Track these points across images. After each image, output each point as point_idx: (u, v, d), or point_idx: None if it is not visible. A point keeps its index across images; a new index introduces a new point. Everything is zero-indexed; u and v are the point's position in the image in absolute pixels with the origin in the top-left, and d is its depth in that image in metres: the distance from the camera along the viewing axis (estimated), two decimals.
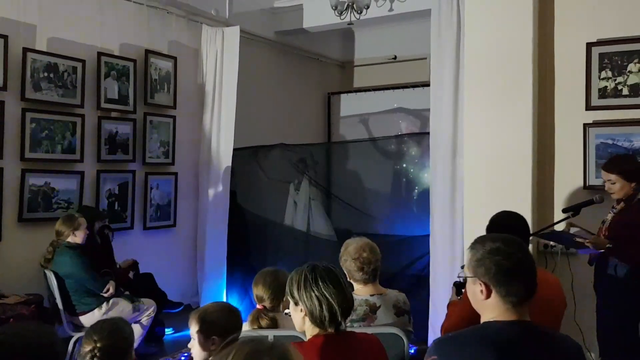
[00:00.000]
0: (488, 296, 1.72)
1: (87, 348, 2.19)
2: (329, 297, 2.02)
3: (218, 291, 6.11)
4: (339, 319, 2.04)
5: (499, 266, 1.70)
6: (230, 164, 6.15)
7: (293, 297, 2.09)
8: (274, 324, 2.69)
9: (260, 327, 2.66)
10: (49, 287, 4.22)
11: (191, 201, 6.36)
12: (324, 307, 2.01)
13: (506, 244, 1.73)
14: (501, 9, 4.19)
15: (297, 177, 6.43)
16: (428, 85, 5.22)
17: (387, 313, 2.78)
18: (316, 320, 2.03)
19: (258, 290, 2.80)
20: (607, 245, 3.25)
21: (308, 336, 2.09)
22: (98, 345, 2.18)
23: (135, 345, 3.22)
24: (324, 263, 2.15)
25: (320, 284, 2.03)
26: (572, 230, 3.54)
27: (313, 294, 2.02)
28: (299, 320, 2.09)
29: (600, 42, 4.06)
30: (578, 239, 3.33)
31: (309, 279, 2.05)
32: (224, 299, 6.05)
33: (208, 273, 6.19)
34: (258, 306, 2.78)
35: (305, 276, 2.06)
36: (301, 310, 2.06)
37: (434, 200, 4.87)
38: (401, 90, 7.93)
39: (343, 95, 8.56)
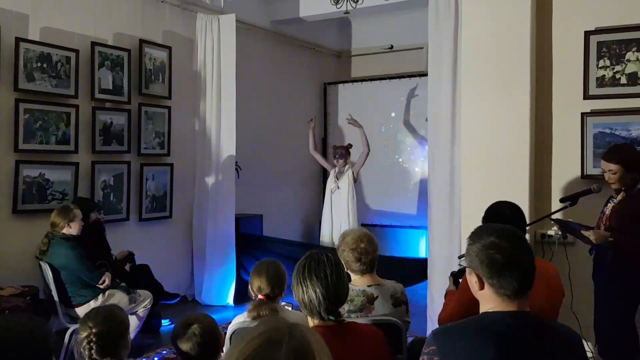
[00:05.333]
0: (482, 287, 1.72)
1: (83, 334, 2.20)
2: (313, 287, 2.05)
3: (223, 282, 6.10)
4: (331, 308, 2.06)
5: (491, 260, 1.68)
6: (234, 153, 6.11)
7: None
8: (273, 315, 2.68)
9: (260, 317, 2.64)
10: (45, 278, 4.19)
11: (187, 192, 6.32)
12: (315, 296, 2.04)
13: (501, 237, 1.71)
14: None
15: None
16: (425, 75, 5.18)
17: (385, 303, 2.76)
18: (308, 311, 2.08)
19: (260, 281, 2.77)
20: (609, 239, 3.24)
21: (310, 325, 2.09)
22: (94, 330, 2.18)
23: (132, 336, 3.21)
24: (322, 252, 2.16)
25: (307, 274, 2.07)
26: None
27: (304, 285, 2.07)
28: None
29: (598, 31, 4.03)
30: (583, 232, 3.33)
31: (300, 271, 2.09)
32: (232, 290, 6.08)
33: (211, 264, 6.12)
34: (260, 296, 2.75)
35: (297, 268, 2.11)
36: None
37: (432, 190, 4.86)
38: (397, 80, 7.89)
39: (340, 86, 8.51)
